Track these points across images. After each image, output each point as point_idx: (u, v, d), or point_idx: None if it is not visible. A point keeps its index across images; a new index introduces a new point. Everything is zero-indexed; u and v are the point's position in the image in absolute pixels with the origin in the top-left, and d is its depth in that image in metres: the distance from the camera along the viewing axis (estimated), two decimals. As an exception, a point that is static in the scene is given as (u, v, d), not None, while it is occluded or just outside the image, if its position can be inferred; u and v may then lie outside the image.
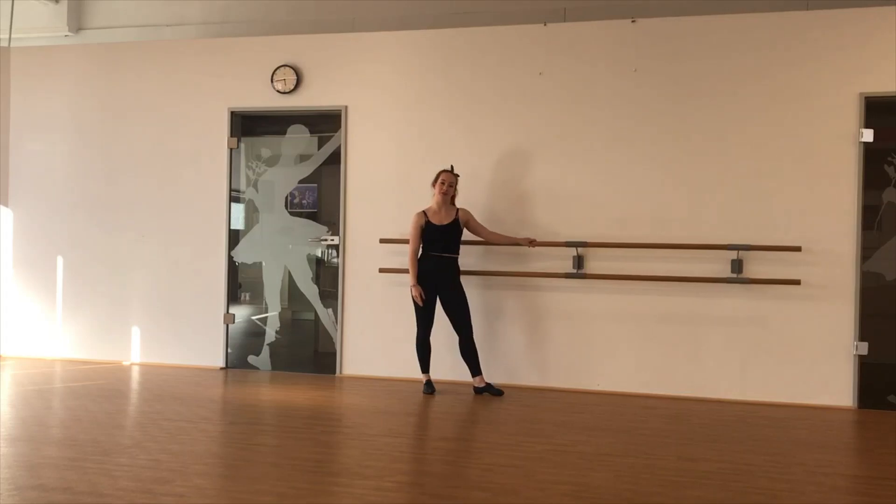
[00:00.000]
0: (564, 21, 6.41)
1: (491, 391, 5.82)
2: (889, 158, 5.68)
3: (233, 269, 6.83)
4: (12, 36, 7.42)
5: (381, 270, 6.32)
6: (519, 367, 6.18)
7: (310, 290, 6.75)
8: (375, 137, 6.50)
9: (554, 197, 6.12)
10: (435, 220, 5.85)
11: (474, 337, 5.88)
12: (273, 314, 6.85)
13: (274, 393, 5.91)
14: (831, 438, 4.86)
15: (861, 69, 5.65)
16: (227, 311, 6.78)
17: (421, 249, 5.87)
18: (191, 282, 6.83)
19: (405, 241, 6.10)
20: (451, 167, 5.97)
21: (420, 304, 5.78)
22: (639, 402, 5.72)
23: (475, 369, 5.85)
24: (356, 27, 6.84)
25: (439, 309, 5.90)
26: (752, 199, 5.79)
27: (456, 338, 5.88)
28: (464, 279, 5.98)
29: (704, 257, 5.83)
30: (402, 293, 6.06)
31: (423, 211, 5.90)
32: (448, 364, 6.07)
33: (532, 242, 5.98)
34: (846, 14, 5.72)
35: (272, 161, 6.83)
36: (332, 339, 6.63)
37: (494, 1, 6.69)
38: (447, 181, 5.87)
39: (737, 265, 5.73)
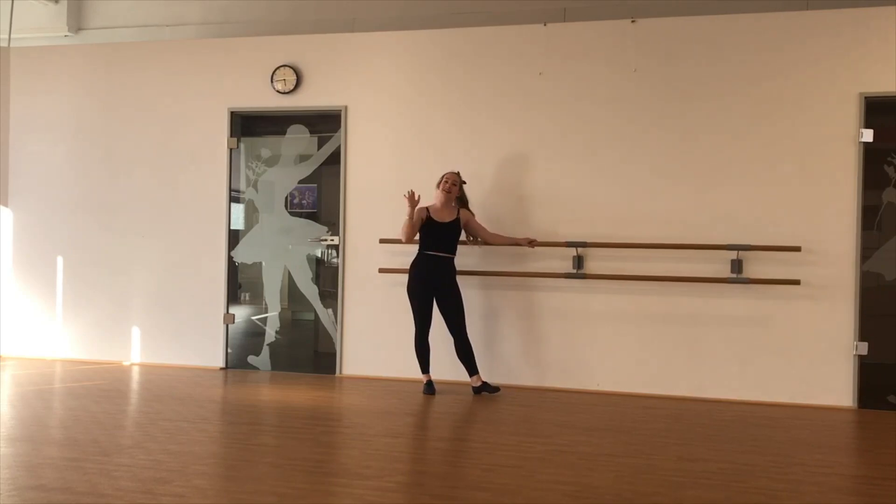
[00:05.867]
0: (564, 21, 6.41)
1: (487, 389, 5.82)
2: (889, 158, 5.68)
3: (233, 269, 6.83)
4: (12, 36, 7.42)
5: (381, 271, 6.32)
6: (519, 367, 6.18)
7: (310, 291, 6.75)
8: (375, 137, 6.50)
9: (554, 197, 6.12)
10: (437, 217, 5.86)
11: (473, 337, 5.89)
12: (273, 314, 6.85)
13: (274, 393, 5.91)
14: (831, 438, 4.86)
15: (861, 69, 5.65)
16: (227, 311, 6.78)
17: (417, 248, 5.88)
18: (191, 282, 6.82)
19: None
20: (458, 173, 5.98)
21: (414, 199, 5.73)
22: (639, 402, 5.72)
23: (472, 368, 5.85)
24: (356, 27, 6.84)
25: (437, 308, 5.91)
26: (752, 198, 5.79)
27: (455, 337, 5.89)
28: (464, 279, 5.98)
29: (704, 257, 5.83)
30: (403, 293, 6.05)
31: (426, 207, 5.90)
32: (448, 364, 6.06)
33: (532, 243, 5.99)
34: (846, 14, 5.72)
35: (272, 161, 6.83)
36: (332, 339, 6.63)
37: (494, 1, 6.68)
38: (451, 180, 5.88)
39: (737, 265, 5.73)
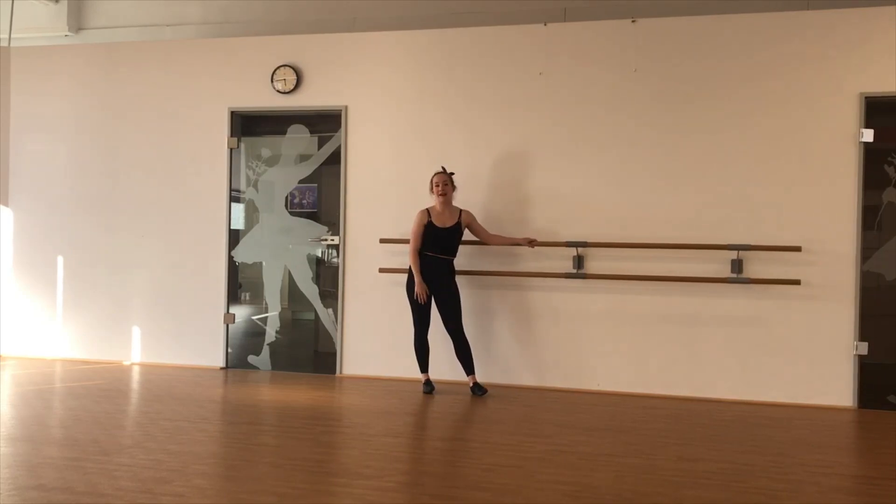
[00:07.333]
0: (564, 21, 6.41)
1: (475, 391, 5.79)
2: (889, 158, 5.68)
3: (233, 269, 6.83)
4: (12, 36, 7.42)
5: (381, 270, 6.32)
6: (519, 367, 6.18)
7: (310, 290, 6.75)
8: (375, 137, 6.50)
9: (554, 197, 6.12)
10: (437, 222, 5.85)
11: (473, 337, 5.89)
12: (273, 314, 6.85)
13: (274, 393, 5.91)
14: (831, 438, 4.86)
15: (861, 69, 5.65)
16: (228, 311, 6.78)
17: (418, 248, 5.89)
18: (191, 282, 6.83)
19: (405, 241, 6.09)
20: (443, 168, 5.98)
21: (422, 302, 5.79)
22: (639, 402, 5.72)
23: (468, 368, 5.85)
24: (356, 27, 6.84)
25: (435, 309, 5.90)
26: (753, 198, 5.79)
27: (454, 336, 5.89)
28: (463, 279, 5.98)
29: (704, 257, 5.83)
30: (402, 293, 6.05)
31: (427, 210, 5.90)
32: (447, 364, 6.06)
33: (532, 243, 5.98)
34: (846, 14, 5.72)
35: (272, 161, 6.83)
36: (332, 339, 6.64)
37: (494, 1, 6.68)
38: (440, 182, 5.87)
39: (737, 265, 5.73)
